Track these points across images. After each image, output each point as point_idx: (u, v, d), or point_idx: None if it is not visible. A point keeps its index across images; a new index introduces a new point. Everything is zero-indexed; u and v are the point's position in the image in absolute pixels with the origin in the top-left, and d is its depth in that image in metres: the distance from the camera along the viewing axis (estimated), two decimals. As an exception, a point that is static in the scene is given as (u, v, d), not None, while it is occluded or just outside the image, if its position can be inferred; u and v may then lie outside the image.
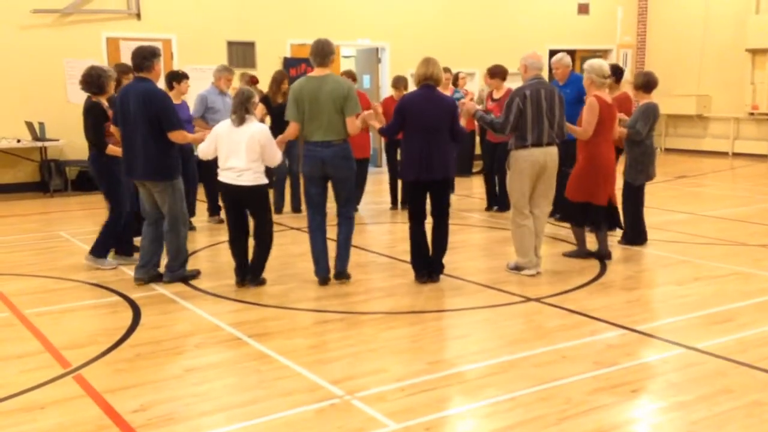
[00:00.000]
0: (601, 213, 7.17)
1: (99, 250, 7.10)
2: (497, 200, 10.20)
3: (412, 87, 10.94)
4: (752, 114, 16.81)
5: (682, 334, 5.21)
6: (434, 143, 6.26)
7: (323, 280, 6.46)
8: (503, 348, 4.99)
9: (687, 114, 17.68)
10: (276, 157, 6.30)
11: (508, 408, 4.05)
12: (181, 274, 6.58)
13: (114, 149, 6.88)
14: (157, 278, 6.57)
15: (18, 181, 12.35)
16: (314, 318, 5.66)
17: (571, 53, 17.53)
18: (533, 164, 6.54)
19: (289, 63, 14.18)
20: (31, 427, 3.90)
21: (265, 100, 9.84)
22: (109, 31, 12.88)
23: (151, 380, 4.49)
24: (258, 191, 6.26)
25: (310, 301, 6.07)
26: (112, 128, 6.79)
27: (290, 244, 8.35)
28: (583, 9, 17.80)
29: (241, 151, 6.12)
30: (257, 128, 6.20)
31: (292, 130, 6.38)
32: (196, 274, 6.74)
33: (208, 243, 8.35)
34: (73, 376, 4.55)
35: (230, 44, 13.88)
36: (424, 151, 6.26)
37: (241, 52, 13.99)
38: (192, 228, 9.39)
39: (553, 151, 6.62)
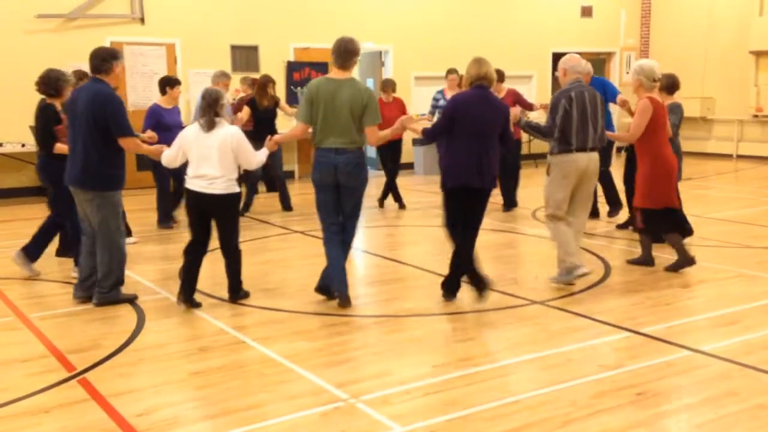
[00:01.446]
0: (675, 214, 7.05)
1: (32, 251, 6.97)
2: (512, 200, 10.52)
3: (399, 90, 11.09)
4: (756, 116, 16.79)
5: (687, 337, 5.20)
6: (484, 148, 5.84)
7: (343, 298, 5.91)
8: (508, 351, 4.98)
9: (691, 116, 17.61)
10: (253, 160, 5.95)
11: (513, 411, 4.04)
12: (112, 296, 6.03)
13: (62, 147, 6.53)
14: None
15: (22, 186, 12.38)
16: (318, 321, 5.65)
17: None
18: (577, 169, 6.32)
19: (292, 67, 14.21)
20: (35, 430, 3.90)
21: (251, 103, 9.92)
22: (113, 35, 12.90)
23: (155, 384, 4.49)
24: (229, 200, 5.86)
25: (313, 304, 6.06)
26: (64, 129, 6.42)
27: (293, 248, 8.35)
28: (587, 12, 17.80)
29: (213, 158, 5.71)
30: (228, 132, 5.78)
31: (298, 132, 6.02)
32: (132, 298, 6.17)
33: (212, 247, 8.33)
34: (77, 379, 4.55)
35: (233, 48, 13.90)
36: (474, 156, 5.81)
37: (245, 56, 14.02)
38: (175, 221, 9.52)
39: (595, 157, 6.42)
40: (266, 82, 10.15)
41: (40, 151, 6.93)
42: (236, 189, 5.89)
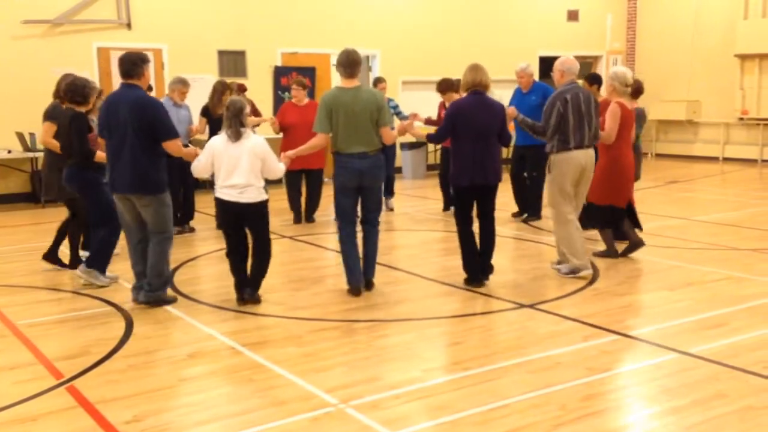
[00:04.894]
0: (623, 215, 7.48)
1: (98, 264, 6.80)
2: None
3: (388, 93, 11.24)
4: (742, 119, 16.90)
5: (675, 339, 5.22)
6: (486, 148, 6.42)
7: (356, 291, 6.37)
8: (497, 354, 4.99)
9: (677, 119, 17.77)
10: (277, 170, 6.10)
11: (502, 415, 4.05)
12: (159, 295, 6.17)
13: (103, 155, 6.54)
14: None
15: (9, 192, 12.31)
16: (308, 326, 5.64)
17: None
18: (576, 166, 6.76)
19: (279, 72, 14.20)
20: (24, 439, 3.89)
21: (205, 111, 9.69)
22: (99, 41, 12.87)
23: (145, 390, 4.47)
24: (260, 207, 6.03)
25: (303, 309, 6.06)
26: (99, 139, 6.46)
27: (282, 253, 8.34)
28: (573, 16, 17.88)
29: (242, 167, 5.88)
30: (256, 142, 5.94)
31: (320, 142, 6.31)
32: (173, 299, 6.29)
33: (203, 252, 8.33)
34: (65, 387, 4.53)
35: (221, 53, 13.89)
36: (477, 157, 6.38)
37: (232, 61, 14.01)
38: (191, 230, 9.52)
39: (591, 154, 6.86)
40: (224, 89, 9.64)
41: (66, 163, 6.85)
42: (265, 195, 6.08)
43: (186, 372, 4.77)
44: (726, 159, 17.17)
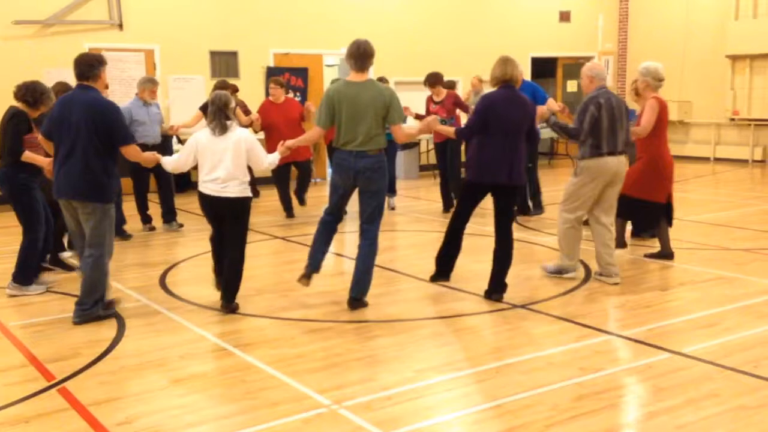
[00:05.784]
0: (661, 210, 7.44)
1: (22, 277, 6.60)
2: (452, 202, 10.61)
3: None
4: (733, 119, 16.96)
5: (667, 339, 5.23)
6: (515, 145, 6.10)
7: (308, 276, 6.05)
8: (489, 355, 4.99)
9: (669, 120, 17.78)
10: (265, 161, 6.01)
11: (495, 415, 4.05)
12: (93, 313, 5.75)
13: (31, 156, 6.42)
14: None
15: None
16: (300, 327, 5.64)
17: (553, 60, 17.82)
18: (607, 172, 6.57)
19: (271, 72, 14.18)
20: (15, 441, 3.87)
21: (205, 107, 9.69)
22: (91, 41, 12.83)
23: (137, 392, 4.46)
24: (242, 203, 5.89)
25: (295, 310, 6.05)
26: (40, 138, 6.02)
27: (275, 254, 8.33)
28: (565, 16, 17.90)
29: (227, 161, 5.77)
30: (241, 134, 5.87)
31: (315, 136, 6.15)
32: (112, 314, 5.89)
33: (194, 253, 8.30)
34: (57, 389, 4.51)
35: (213, 54, 13.87)
36: (506, 154, 6.06)
37: (224, 62, 13.99)
38: (180, 225, 9.58)
39: (624, 160, 6.70)
40: (224, 88, 9.35)
41: (3, 163, 6.60)
42: (249, 192, 5.94)
43: (178, 373, 4.76)
44: (717, 159, 17.22)
